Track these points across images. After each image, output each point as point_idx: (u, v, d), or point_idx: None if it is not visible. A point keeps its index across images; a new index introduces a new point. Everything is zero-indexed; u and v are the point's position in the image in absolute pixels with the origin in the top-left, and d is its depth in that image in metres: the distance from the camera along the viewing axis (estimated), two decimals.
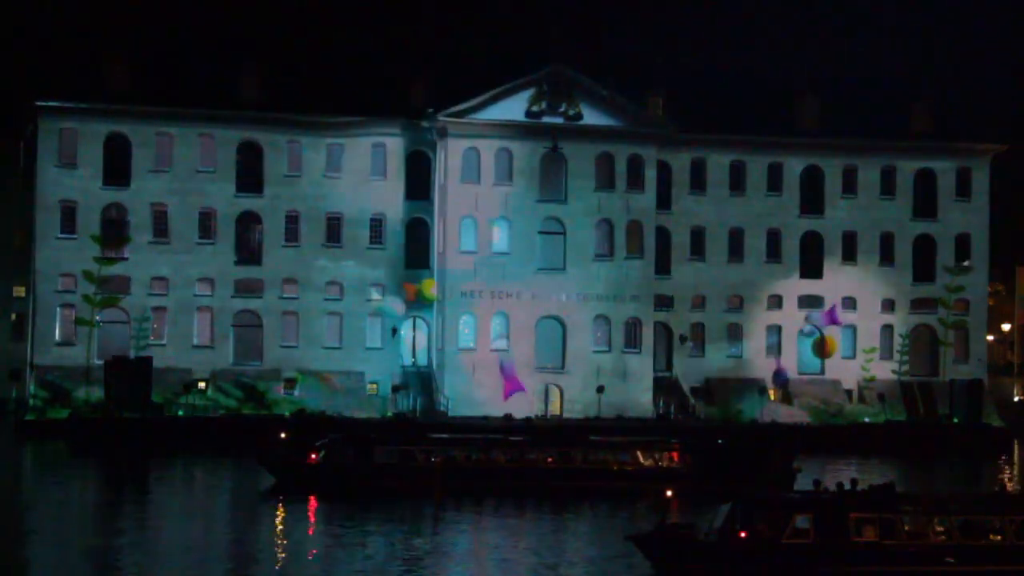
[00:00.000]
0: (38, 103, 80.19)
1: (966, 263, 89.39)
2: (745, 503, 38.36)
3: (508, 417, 78.90)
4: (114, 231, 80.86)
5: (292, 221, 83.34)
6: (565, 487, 55.46)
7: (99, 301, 79.51)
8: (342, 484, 55.19)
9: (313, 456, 57.01)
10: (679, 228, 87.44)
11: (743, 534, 37.03)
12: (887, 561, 36.94)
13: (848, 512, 37.40)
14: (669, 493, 39.80)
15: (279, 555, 41.49)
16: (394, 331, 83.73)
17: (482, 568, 40.01)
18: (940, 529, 37.58)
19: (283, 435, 61.21)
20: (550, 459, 57.41)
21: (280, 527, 47.65)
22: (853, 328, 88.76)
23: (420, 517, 48.94)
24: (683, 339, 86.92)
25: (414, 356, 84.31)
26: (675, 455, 57.93)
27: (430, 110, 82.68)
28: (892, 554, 36.95)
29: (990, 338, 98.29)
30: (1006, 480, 66.03)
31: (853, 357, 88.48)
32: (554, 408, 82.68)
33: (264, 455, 58.35)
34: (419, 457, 56.68)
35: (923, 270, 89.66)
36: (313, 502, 52.67)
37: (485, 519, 50.08)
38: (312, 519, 50.05)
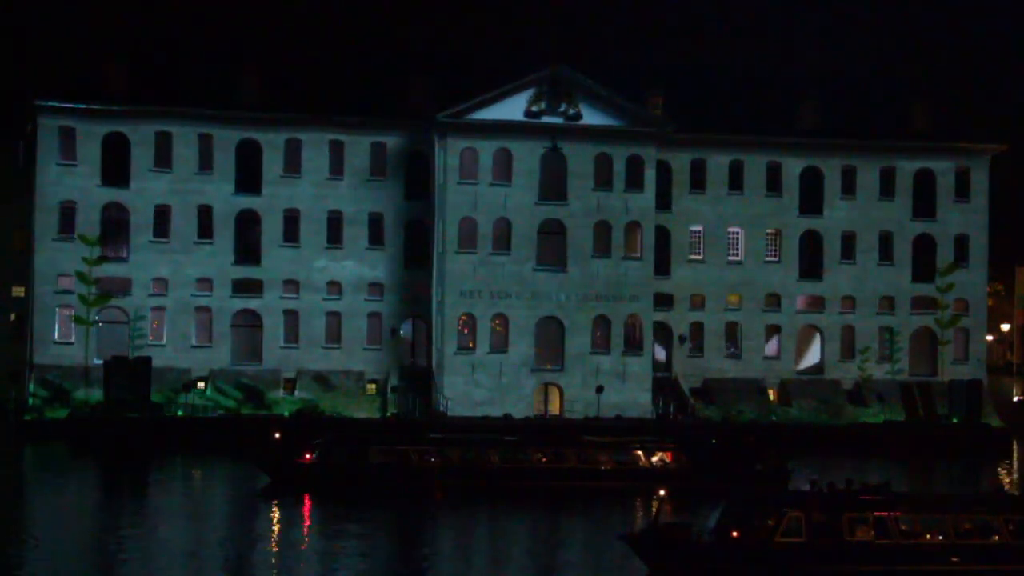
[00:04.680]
0: (38, 103, 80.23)
1: (957, 264, 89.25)
2: (739, 503, 38.40)
3: (507, 417, 79.00)
4: (111, 230, 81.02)
5: (291, 221, 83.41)
6: (559, 487, 55.50)
7: (95, 300, 79.57)
8: (337, 484, 55.22)
9: (308, 456, 57.08)
10: (679, 228, 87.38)
11: (736, 534, 37.06)
12: (881, 561, 36.95)
13: (842, 512, 37.42)
14: (663, 492, 39.84)
15: (273, 555, 41.53)
16: (393, 331, 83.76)
17: (476, 568, 40.02)
18: (935, 529, 37.60)
19: (277, 435, 61.18)
20: (544, 459, 57.45)
21: (276, 527, 47.69)
22: (852, 328, 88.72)
23: (415, 517, 48.94)
24: (682, 339, 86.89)
25: (413, 356, 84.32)
26: (669, 455, 57.99)
27: (430, 110, 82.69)
28: (886, 554, 36.96)
29: (989, 338, 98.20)
30: (1004, 480, 66.05)
31: (852, 357, 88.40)
32: (553, 408, 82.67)
33: (258, 455, 58.38)
34: (414, 457, 56.73)
35: (922, 270, 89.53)
36: (307, 502, 52.70)
37: (480, 519, 50.09)
38: (306, 519, 50.07)
